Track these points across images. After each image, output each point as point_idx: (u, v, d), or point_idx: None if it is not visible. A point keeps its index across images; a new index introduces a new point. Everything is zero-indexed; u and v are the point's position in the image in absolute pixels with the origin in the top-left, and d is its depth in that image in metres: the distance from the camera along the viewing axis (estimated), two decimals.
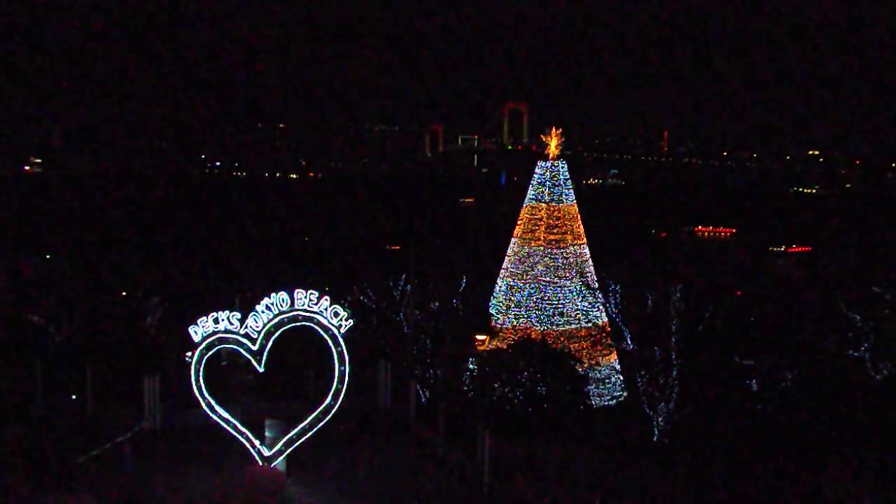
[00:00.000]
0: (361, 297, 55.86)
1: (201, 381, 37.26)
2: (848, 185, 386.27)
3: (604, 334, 55.65)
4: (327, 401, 37.15)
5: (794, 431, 43.83)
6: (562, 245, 57.30)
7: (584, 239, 58.79)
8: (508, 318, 56.35)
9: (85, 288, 60.96)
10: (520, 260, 57.51)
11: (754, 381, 47.88)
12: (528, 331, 54.56)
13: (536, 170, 59.14)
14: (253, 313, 36.88)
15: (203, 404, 37.61)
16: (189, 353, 38.81)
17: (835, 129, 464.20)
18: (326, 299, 36.93)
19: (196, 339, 37.02)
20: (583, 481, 39.08)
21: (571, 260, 57.11)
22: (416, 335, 51.43)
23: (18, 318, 54.85)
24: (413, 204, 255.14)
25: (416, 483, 37.53)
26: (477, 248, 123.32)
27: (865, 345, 49.13)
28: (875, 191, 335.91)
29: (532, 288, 56.56)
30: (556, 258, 56.80)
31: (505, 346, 52.43)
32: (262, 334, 36.71)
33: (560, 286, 56.29)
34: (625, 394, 55.41)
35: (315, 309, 36.60)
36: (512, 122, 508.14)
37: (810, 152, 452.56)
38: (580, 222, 58.86)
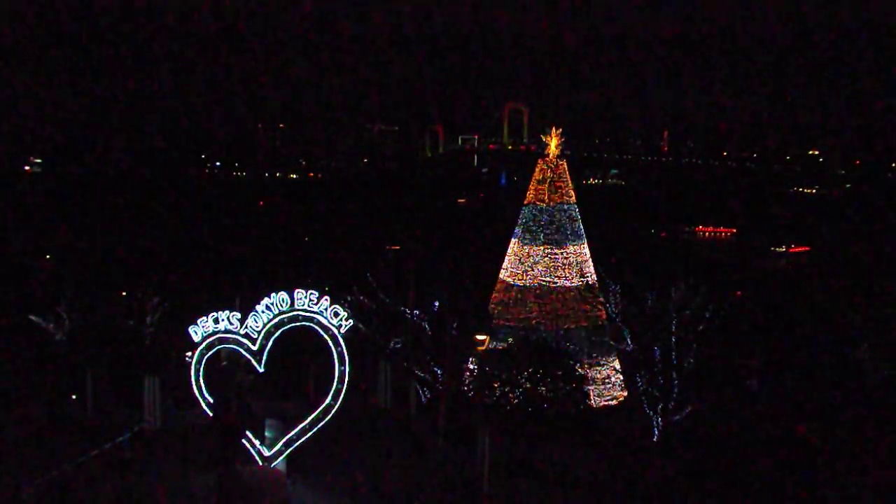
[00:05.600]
0: (361, 298, 55.77)
1: (201, 381, 37.30)
2: (848, 185, 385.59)
3: (604, 334, 55.57)
4: (327, 401, 37.18)
5: (794, 431, 43.89)
6: (562, 245, 57.26)
7: (584, 239, 58.74)
8: (508, 318, 56.27)
9: (85, 288, 60.85)
10: (520, 260, 57.45)
11: (754, 381, 47.91)
12: (528, 331, 54.48)
13: (536, 170, 59.11)
14: (253, 313, 36.92)
15: (203, 404, 37.64)
16: (189, 353, 38.84)
17: (835, 129, 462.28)
18: (326, 299, 36.96)
19: (196, 339, 37.07)
20: (583, 481, 39.14)
21: (571, 260, 57.04)
22: (417, 335, 51.40)
23: (19, 318, 54.80)
24: (413, 204, 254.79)
25: (416, 483, 37.55)
26: (476, 247, 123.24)
27: (866, 345, 49.06)
28: (875, 191, 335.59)
29: (532, 288, 56.49)
30: (556, 258, 56.74)
31: (505, 346, 52.40)
32: (262, 334, 36.74)
33: (560, 286, 56.24)
34: (625, 394, 55.40)
35: (315, 309, 36.63)
36: (512, 122, 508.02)
37: (810, 152, 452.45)
38: (580, 222, 58.81)
